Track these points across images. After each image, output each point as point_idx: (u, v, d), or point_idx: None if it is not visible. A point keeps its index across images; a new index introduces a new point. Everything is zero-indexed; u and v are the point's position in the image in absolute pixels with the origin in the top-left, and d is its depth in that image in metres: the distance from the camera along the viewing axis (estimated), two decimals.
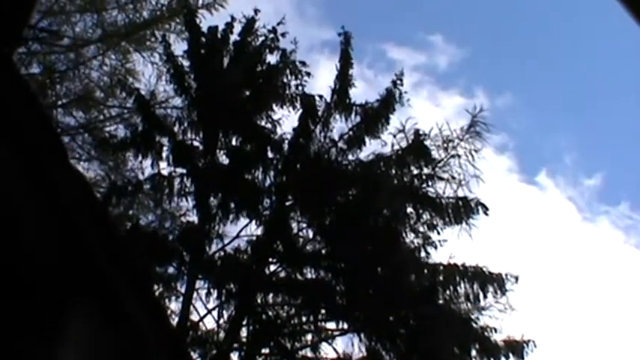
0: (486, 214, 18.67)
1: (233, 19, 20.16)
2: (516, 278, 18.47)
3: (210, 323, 18.40)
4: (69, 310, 4.25)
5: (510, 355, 18.14)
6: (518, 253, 27.50)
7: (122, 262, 4.63)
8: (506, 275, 18.39)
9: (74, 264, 4.25)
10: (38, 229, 4.09)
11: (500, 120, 30.79)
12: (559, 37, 33.33)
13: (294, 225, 18.67)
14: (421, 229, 18.60)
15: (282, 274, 18.49)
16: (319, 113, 18.96)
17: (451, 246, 18.51)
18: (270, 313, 18.25)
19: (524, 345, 18.30)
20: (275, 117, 19.39)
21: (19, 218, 4.01)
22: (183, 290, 18.28)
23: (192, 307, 18.21)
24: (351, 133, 18.92)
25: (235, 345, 18.18)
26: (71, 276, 4.20)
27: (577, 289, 28.71)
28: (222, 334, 18.20)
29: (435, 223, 18.57)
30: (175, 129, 19.42)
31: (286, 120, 19.35)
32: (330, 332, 18.52)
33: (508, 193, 28.77)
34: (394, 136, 18.85)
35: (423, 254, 18.45)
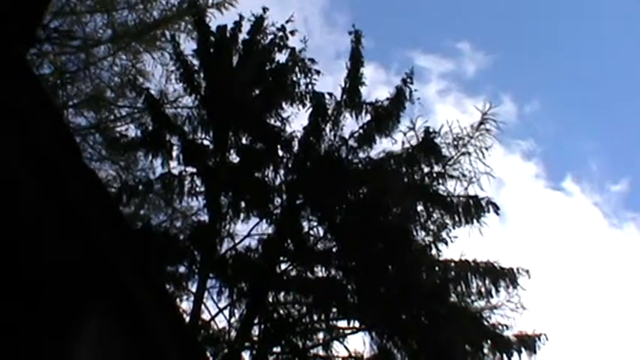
0: (497, 214, 18.66)
1: (242, 17, 20.17)
2: (528, 273, 18.45)
3: (221, 322, 18.45)
4: (84, 311, 4.26)
5: (522, 349, 18.12)
6: (545, 259, 27.59)
7: (137, 264, 4.64)
8: (517, 270, 18.37)
9: (89, 265, 4.26)
10: (54, 231, 4.10)
11: (527, 126, 30.96)
12: (586, 42, 33.47)
13: (304, 223, 18.69)
14: (432, 227, 18.58)
15: (293, 273, 18.50)
16: (329, 111, 18.97)
17: (471, 251, 18.53)
18: (281, 312, 18.26)
19: (537, 339, 18.29)
20: (285, 115, 19.42)
21: (35, 219, 4.02)
22: (194, 289, 18.31)
23: (203, 307, 18.23)
24: (361, 131, 18.91)
25: (247, 344, 18.19)
26: (86, 277, 4.21)
27: (603, 292, 28.76)
28: (233, 333, 18.22)
29: (445, 221, 18.55)
30: (185, 128, 19.46)
31: (296, 118, 19.38)
32: (341, 330, 18.51)
33: (534, 199, 28.89)
34: (404, 134, 18.87)
35: (433, 252, 18.45)
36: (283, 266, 18.63)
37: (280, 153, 18.99)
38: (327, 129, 18.89)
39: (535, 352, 18.19)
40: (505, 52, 32.18)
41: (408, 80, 19.30)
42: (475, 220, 18.49)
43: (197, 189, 19.13)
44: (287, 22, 19.97)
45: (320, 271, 18.33)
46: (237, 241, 18.72)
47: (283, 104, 19.44)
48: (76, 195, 4.05)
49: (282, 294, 18.39)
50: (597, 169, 35.07)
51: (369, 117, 19.05)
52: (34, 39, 3.75)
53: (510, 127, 29.46)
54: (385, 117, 19.03)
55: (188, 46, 20.18)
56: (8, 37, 3.65)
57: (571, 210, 30.82)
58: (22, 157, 3.84)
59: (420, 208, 18.66)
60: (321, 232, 18.62)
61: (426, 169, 18.92)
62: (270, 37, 20.05)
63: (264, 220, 18.65)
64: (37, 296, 4.16)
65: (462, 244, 18.58)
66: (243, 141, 19.41)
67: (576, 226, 30.78)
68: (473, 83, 30.19)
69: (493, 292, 18.28)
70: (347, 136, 18.93)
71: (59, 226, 4.15)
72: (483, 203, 18.59)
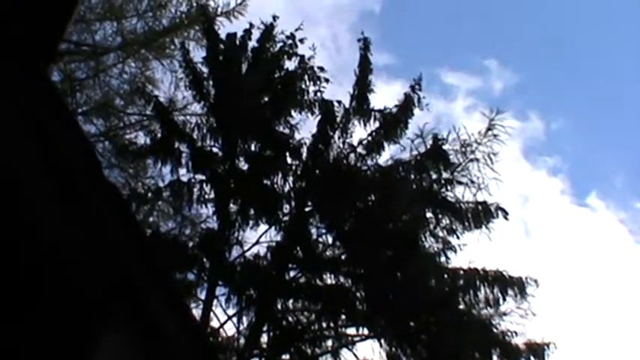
0: (506, 219, 18.65)
1: (251, 25, 20.22)
2: (536, 282, 18.45)
3: (230, 329, 18.47)
4: (102, 320, 4.29)
5: (531, 357, 18.11)
6: (569, 274, 27.67)
7: (153, 273, 4.67)
8: (526, 279, 18.36)
9: (107, 275, 4.29)
10: (72, 242, 4.13)
11: (553, 143, 31.27)
12: (613, 61, 33.59)
13: (313, 231, 18.72)
14: (441, 234, 18.58)
15: (302, 280, 18.50)
16: (338, 119, 18.98)
17: (492, 265, 18.55)
18: (290, 319, 18.27)
19: (546, 347, 18.28)
20: (293, 122, 19.43)
21: (53, 228, 4.05)
22: (203, 297, 18.34)
23: (212, 314, 18.26)
24: (369, 138, 18.92)
25: (255, 351, 18.21)
26: (104, 287, 4.24)
27: (627, 307, 28.78)
28: (242, 341, 18.23)
29: (454, 227, 18.55)
30: (194, 135, 19.48)
31: (304, 125, 19.41)
32: (350, 338, 18.53)
33: (560, 215, 29.00)
34: (412, 141, 18.87)
35: (442, 259, 18.45)
36: (292, 273, 18.66)
37: (289, 160, 19.01)
38: (336, 136, 18.91)
39: None
40: (532, 69, 32.45)
41: (417, 87, 19.30)
42: (484, 226, 18.49)
43: (206, 196, 19.16)
44: (296, 30, 20.02)
45: (329, 279, 18.36)
46: (246, 248, 18.77)
47: (292, 112, 19.47)
48: (97, 207, 4.08)
49: (291, 301, 18.40)
50: (622, 186, 35.29)
51: (377, 124, 19.05)
52: (55, 53, 3.80)
53: (537, 144, 29.78)
54: (393, 124, 19.03)
55: (197, 53, 20.25)
56: (30, 51, 3.69)
57: (596, 226, 30.97)
58: (42, 167, 3.88)
59: (428, 214, 18.66)
60: (330, 240, 18.66)
61: (435, 176, 18.91)
62: (279, 44, 20.08)
63: (273, 228, 18.70)
64: (55, 306, 4.19)
65: (483, 255, 18.58)
66: (252, 148, 19.44)
67: (601, 242, 30.90)
68: (500, 100, 30.44)
69: (501, 300, 18.26)
70: (355, 144, 18.95)
71: (78, 238, 4.19)
72: (492, 209, 18.58)
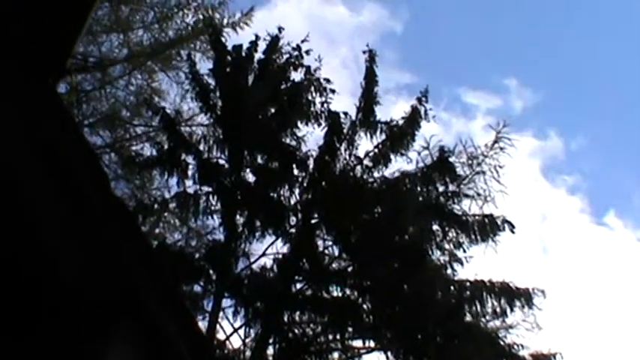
0: (512, 232, 18.61)
1: (257, 37, 20.25)
2: (543, 293, 18.42)
3: (236, 342, 18.44)
4: (108, 333, 4.27)
5: None
6: (588, 292, 27.76)
7: (161, 286, 4.65)
8: (533, 290, 18.32)
9: (115, 288, 4.28)
10: (78, 254, 4.12)
11: (572, 162, 31.52)
12: (632, 79, 33.72)
13: (320, 243, 18.66)
14: (447, 247, 18.54)
15: (309, 292, 18.46)
16: (344, 131, 18.97)
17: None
18: (296, 332, 18.21)
19: (552, 358, 18.25)
20: (300, 134, 19.42)
21: (58, 242, 4.04)
22: (209, 308, 18.31)
23: (218, 326, 18.24)
24: (376, 150, 18.90)
25: None
26: (112, 300, 4.22)
27: None
28: (248, 353, 18.18)
29: (461, 240, 18.51)
30: (201, 147, 19.47)
31: (311, 137, 19.39)
32: (357, 350, 18.50)
33: (578, 233, 29.13)
34: (419, 153, 18.84)
35: (449, 271, 18.41)
36: (298, 286, 18.61)
37: (295, 172, 18.99)
38: (343, 148, 18.88)
39: None
40: (552, 88, 32.69)
41: (423, 99, 19.29)
42: (491, 239, 18.44)
43: (212, 208, 19.16)
44: (302, 41, 20.05)
45: (335, 291, 18.31)
46: (252, 260, 18.75)
47: (298, 123, 19.46)
48: (103, 220, 4.07)
49: (298, 313, 18.33)
50: None
51: (384, 136, 19.02)
52: (64, 70, 3.80)
53: (556, 163, 29.96)
54: (400, 136, 19.01)
55: (204, 65, 20.27)
56: (39, 68, 3.68)
57: (614, 245, 31.09)
58: (49, 181, 3.86)
59: (435, 227, 18.61)
60: (337, 252, 18.60)
61: (441, 188, 18.87)
62: (285, 56, 20.09)
63: (279, 240, 18.66)
64: (60, 319, 4.17)
65: (501, 273, 18.52)
66: (259, 160, 19.44)
67: (619, 260, 30.99)
68: (519, 119, 30.67)
69: (508, 311, 18.22)
70: (362, 156, 18.92)
71: (82, 249, 4.17)
72: (499, 222, 18.54)
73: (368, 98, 19.25)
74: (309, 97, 19.62)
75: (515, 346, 18.27)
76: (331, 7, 29.62)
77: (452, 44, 33.69)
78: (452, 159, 18.73)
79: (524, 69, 33.07)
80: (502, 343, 18.21)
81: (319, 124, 19.32)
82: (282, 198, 18.88)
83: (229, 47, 20.24)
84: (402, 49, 32.16)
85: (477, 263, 18.53)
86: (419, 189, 18.80)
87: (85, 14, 3.78)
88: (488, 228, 18.47)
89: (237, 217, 18.93)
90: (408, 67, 33.58)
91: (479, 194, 18.72)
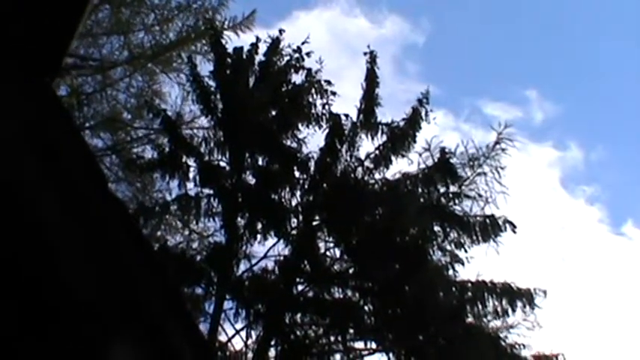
0: (514, 232, 18.60)
1: (258, 39, 20.26)
2: (545, 293, 18.41)
3: (238, 344, 18.42)
4: (110, 336, 4.26)
5: None
6: (606, 301, 27.88)
7: (163, 289, 4.64)
8: (534, 290, 18.31)
9: (116, 293, 4.27)
10: (78, 258, 4.11)
11: (592, 172, 31.75)
12: None
13: (321, 244, 18.65)
14: (448, 248, 18.54)
15: (310, 294, 18.46)
16: (345, 132, 18.96)
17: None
18: (298, 333, 18.19)
19: (554, 359, 18.24)
20: (301, 136, 19.42)
21: (59, 245, 4.03)
22: (211, 311, 18.30)
23: (220, 328, 18.23)
24: (377, 152, 18.90)
25: None
26: (114, 306, 4.21)
27: None
28: (250, 355, 18.18)
29: (462, 241, 18.51)
30: (202, 149, 19.48)
31: (312, 139, 19.39)
32: (358, 352, 18.48)
33: (597, 243, 29.27)
34: (420, 154, 18.84)
35: (450, 272, 18.41)
36: (300, 287, 18.61)
37: (297, 174, 18.98)
38: (344, 150, 18.88)
39: None
40: (572, 99, 32.88)
41: (424, 100, 19.29)
42: (492, 239, 18.44)
43: (214, 210, 19.15)
44: (303, 43, 20.05)
45: (337, 293, 18.30)
46: (253, 262, 18.73)
47: (299, 125, 19.45)
48: (102, 222, 4.06)
49: (299, 315, 18.32)
50: None
51: (385, 138, 19.02)
52: (60, 68, 3.80)
53: (576, 174, 30.14)
54: (401, 138, 19.00)
55: (205, 67, 20.29)
56: (35, 65, 3.67)
57: (632, 254, 31.20)
58: (47, 184, 3.85)
59: (436, 228, 18.61)
60: (338, 253, 18.61)
61: (442, 190, 18.87)
62: (286, 58, 20.10)
63: (280, 242, 18.64)
64: (60, 322, 4.16)
65: (515, 274, 18.57)
66: (260, 162, 19.42)
67: (637, 270, 31.18)
68: (539, 130, 30.86)
69: (510, 312, 18.21)
70: (363, 157, 18.92)
71: (83, 252, 4.16)
72: (500, 222, 18.54)
73: (369, 100, 19.24)
74: (310, 99, 19.62)
75: (517, 347, 18.26)
76: (352, 19, 29.82)
77: (473, 56, 33.98)
78: (453, 160, 18.73)
79: (544, 80, 33.37)
80: (504, 343, 18.19)
81: (320, 126, 19.33)
82: (283, 200, 18.87)
83: (230, 49, 20.24)
84: (424, 61, 32.43)
85: (491, 264, 18.57)
86: (420, 190, 18.80)
87: (81, 10, 3.78)
88: (489, 229, 18.46)
89: (239, 219, 18.93)
90: (429, 79, 33.96)
91: (480, 195, 18.73)
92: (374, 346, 18.21)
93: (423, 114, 19.10)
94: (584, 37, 34.07)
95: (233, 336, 18.33)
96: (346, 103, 20.72)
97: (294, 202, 18.91)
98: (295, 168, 18.98)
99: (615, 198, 33.77)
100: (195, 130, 20.35)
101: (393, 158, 18.94)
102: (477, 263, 18.55)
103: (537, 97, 31.15)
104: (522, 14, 33.75)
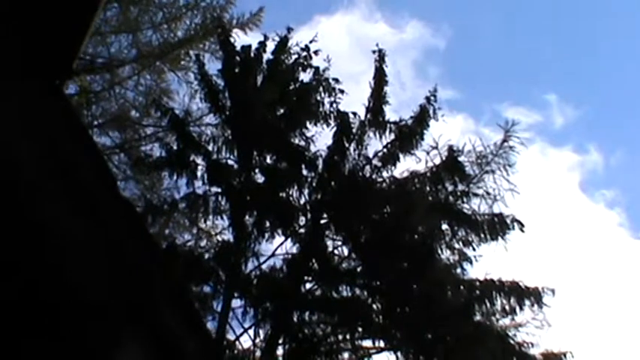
0: (522, 231, 18.58)
1: (266, 37, 20.28)
2: (553, 292, 18.39)
3: (246, 342, 18.43)
4: (122, 339, 4.28)
5: None
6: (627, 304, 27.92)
7: (170, 288, 4.66)
8: (542, 289, 18.29)
9: (125, 293, 4.28)
10: (89, 259, 4.12)
11: (612, 177, 31.89)
12: None
13: (329, 243, 18.65)
14: (456, 246, 18.53)
15: (318, 293, 18.46)
16: (354, 131, 18.96)
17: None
18: (306, 332, 18.18)
19: (563, 357, 18.22)
20: (309, 134, 19.42)
21: (67, 246, 4.05)
22: (219, 309, 18.30)
23: (228, 326, 18.22)
24: (385, 150, 18.89)
25: None
26: (123, 305, 4.23)
27: None
28: (258, 353, 18.18)
29: (470, 239, 18.50)
30: (210, 148, 19.49)
31: (320, 137, 19.39)
32: (367, 350, 18.48)
33: (616, 247, 29.31)
34: (428, 153, 18.83)
35: (459, 270, 18.41)
36: (308, 286, 18.61)
37: (305, 172, 18.97)
38: (352, 148, 18.88)
39: None
40: (592, 104, 32.98)
41: (432, 98, 19.29)
42: (500, 238, 18.43)
43: (222, 208, 19.15)
44: (311, 42, 20.07)
45: (345, 291, 18.29)
46: (261, 260, 18.73)
47: (307, 123, 19.45)
48: (110, 223, 4.08)
49: (307, 314, 18.30)
50: None
51: (393, 136, 19.01)
52: (71, 71, 3.80)
53: (595, 178, 30.27)
54: (409, 136, 19.00)
55: (213, 65, 20.29)
56: (46, 68, 3.68)
57: None
58: (56, 185, 3.87)
59: (444, 226, 18.61)
60: (346, 252, 18.60)
61: (450, 188, 18.85)
62: (294, 56, 20.09)
63: (288, 240, 18.65)
64: (70, 323, 4.18)
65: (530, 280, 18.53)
66: (268, 160, 19.44)
67: None
68: (559, 134, 30.99)
69: (518, 310, 18.20)
70: (371, 155, 18.92)
71: (92, 253, 4.18)
72: (508, 220, 18.52)
73: (377, 98, 19.24)
74: (318, 98, 19.63)
75: (526, 345, 18.24)
76: (373, 24, 29.99)
77: (493, 60, 34.10)
78: (461, 158, 18.72)
79: (564, 85, 33.46)
80: (512, 342, 18.18)
81: (328, 125, 19.34)
82: (291, 198, 18.87)
83: (238, 48, 20.25)
84: (445, 65, 32.57)
85: (503, 264, 18.56)
86: (428, 188, 18.80)
87: (91, 15, 3.79)
88: (497, 227, 18.46)
89: (247, 217, 18.92)
90: (450, 83, 34.10)
91: (488, 193, 18.71)
92: (382, 344, 18.19)
93: (431, 112, 19.10)
94: (604, 42, 34.16)
95: (241, 334, 18.37)
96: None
97: (302, 201, 18.94)
98: (303, 166, 18.97)
99: (635, 202, 33.90)
100: (203, 129, 20.36)
101: (401, 156, 18.94)
102: (491, 262, 18.57)
103: (557, 101, 31.30)
104: (542, 19, 33.91)
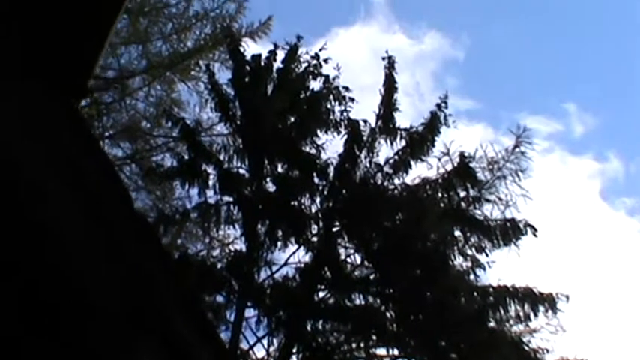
0: (535, 235, 18.55)
1: (276, 46, 20.27)
2: (567, 298, 18.35)
3: (260, 351, 18.43)
4: (133, 347, 4.27)
5: None
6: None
7: (183, 299, 4.65)
8: (557, 294, 18.25)
9: (136, 300, 4.27)
10: (99, 265, 4.12)
11: (632, 184, 31.92)
12: None
13: (341, 251, 18.64)
14: (469, 252, 18.51)
15: (332, 301, 18.46)
16: (364, 138, 18.96)
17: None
18: (319, 340, 18.17)
19: None
20: (320, 143, 19.41)
21: (78, 255, 4.04)
22: (232, 319, 18.30)
23: (241, 336, 18.23)
24: (396, 157, 18.88)
25: None
26: (134, 313, 4.22)
27: None
28: None
29: (483, 245, 18.47)
30: (221, 157, 19.50)
31: (331, 145, 19.39)
32: (381, 358, 18.46)
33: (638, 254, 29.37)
34: (439, 159, 18.82)
35: (472, 277, 18.38)
36: (321, 294, 18.61)
37: (316, 180, 18.96)
38: (363, 156, 18.88)
39: None
40: (611, 112, 33.03)
41: (443, 105, 19.29)
42: (513, 243, 18.41)
43: (234, 217, 19.16)
44: (320, 50, 20.07)
45: (358, 299, 18.28)
46: (274, 269, 18.72)
47: (318, 132, 19.44)
48: (121, 229, 4.08)
49: (321, 322, 18.31)
50: None
51: (404, 143, 19.01)
52: (86, 90, 3.81)
53: (616, 185, 30.32)
54: (420, 143, 18.98)
55: (223, 75, 20.32)
56: (60, 87, 3.68)
57: None
58: (73, 208, 3.87)
59: (457, 233, 18.59)
60: (359, 259, 18.57)
61: (462, 194, 18.84)
62: (304, 65, 20.10)
63: (301, 248, 18.64)
64: (80, 332, 4.17)
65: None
66: (279, 169, 19.43)
67: None
68: (579, 142, 31.09)
69: (532, 316, 18.16)
70: (382, 163, 18.92)
71: (102, 261, 4.18)
72: (521, 226, 18.49)
73: (387, 105, 19.23)
74: (329, 106, 19.62)
75: (540, 351, 18.20)
76: (391, 35, 30.05)
77: (512, 70, 34.17)
78: (472, 164, 18.70)
79: (583, 93, 33.53)
80: (527, 348, 18.13)
81: (339, 132, 19.33)
82: (303, 207, 18.86)
83: (248, 57, 20.27)
84: (464, 76, 32.68)
85: (521, 269, 18.53)
86: (440, 195, 18.78)
87: (105, 32, 3.79)
88: (510, 232, 18.43)
89: (259, 226, 18.91)
90: (469, 93, 34.21)
91: (500, 199, 18.69)
92: (396, 352, 18.18)
93: (442, 119, 19.09)
94: (622, 50, 34.16)
95: (255, 344, 18.36)
96: None
97: (313, 209, 18.92)
98: (314, 174, 18.97)
99: None
100: (214, 138, 20.38)
101: (412, 163, 18.92)
102: (505, 267, 18.54)
103: (576, 109, 31.35)
104: (559, 28, 33.99)
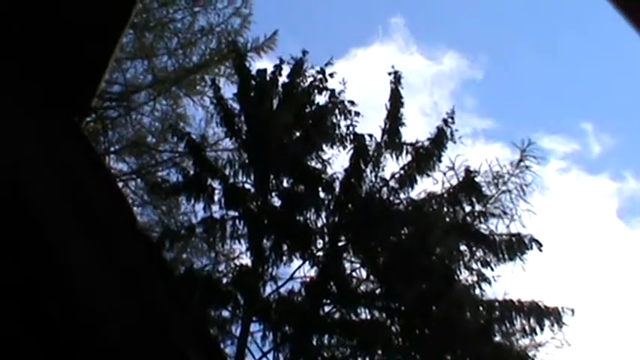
0: (540, 250, 18.53)
1: (282, 61, 20.29)
2: (572, 312, 18.31)
3: None
4: None
5: None
6: None
7: (187, 316, 4.63)
8: (562, 309, 18.22)
9: (139, 318, 4.25)
10: (106, 294, 4.11)
11: None
12: None
13: (347, 265, 18.62)
14: (475, 267, 18.49)
15: (337, 315, 18.44)
16: (370, 153, 18.97)
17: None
18: (325, 355, 18.16)
19: None
20: (325, 157, 19.42)
21: (87, 283, 4.03)
22: (237, 333, 18.28)
23: (247, 351, 18.20)
24: (402, 172, 18.88)
25: None
26: (135, 330, 4.21)
27: None
28: None
29: (488, 259, 18.45)
30: (226, 172, 19.50)
31: (336, 159, 19.40)
32: None
33: None
34: (444, 174, 18.84)
35: (478, 291, 18.35)
36: (327, 309, 18.58)
37: (322, 195, 18.97)
38: (368, 170, 18.89)
39: None
40: (628, 131, 33.09)
41: (449, 120, 19.31)
42: (519, 258, 18.39)
43: (239, 232, 19.14)
44: (326, 64, 20.08)
45: (364, 313, 18.27)
46: (280, 284, 18.71)
47: (324, 146, 19.46)
48: (130, 264, 4.07)
49: (326, 337, 18.29)
50: None
51: (409, 158, 19.01)
52: (90, 108, 3.81)
53: (633, 205, 30.39)
54: (426, 157, 18.99)
55: (228, 90, 20.36)
56: (64, 106, 3.68)
57: None
58: (74, 221, 3.86)
59: (462, 247, 18.58)
60: (364, 274, 18.57)
61: (468, 208, 18.83)
62: (309, 79, 20.12)
63: (306, 263, 18.63)
64: (82, 347, 4.15)
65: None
66: (285, 184, 19.45)
67: None
68: (596, 161, 31.21)
69: (537, 330, 18.13)
70: (388, 177, 18.92)
71: (105, 280, 4.16)
72: (526, 240, 18.48)
73: (393, 120, 19.25)
74: (334, 120, 19.64)
75: None
76: (409, 56, 30.20)
77: (530, 89, 34.33)
78: (477, 179, 18.71)
79: (600, 113, 33.60)
80: None
81: (344, 147, 19.34)
82: (308, 221, 18.85)
83: (253, 71, 20.30)
84: (482, 95, 32.81)
85: (531, 284, 18.51)
86: (445, 209, 18.78)
87: (110, 50, 3.79)
88: (515, 247, 18.41)
89: (264, 241, 18.91)
90: (487, 113, 34.36)
91: (505, 213, 18.69)
92: None
93: (448, 134, 19.11)
94: (638, 68, 34.27)
95: (260, 358, 18.32)
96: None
97: (319, 223, 18.91)
98: (320, 189, 18.97)
99: None
100: (219, 153, 20.40)
101: (417, 178, 18.92)
102: (512, 282, 18.52)
103: (593, 129, 31.44)
104: (576, 47, 34.03)
